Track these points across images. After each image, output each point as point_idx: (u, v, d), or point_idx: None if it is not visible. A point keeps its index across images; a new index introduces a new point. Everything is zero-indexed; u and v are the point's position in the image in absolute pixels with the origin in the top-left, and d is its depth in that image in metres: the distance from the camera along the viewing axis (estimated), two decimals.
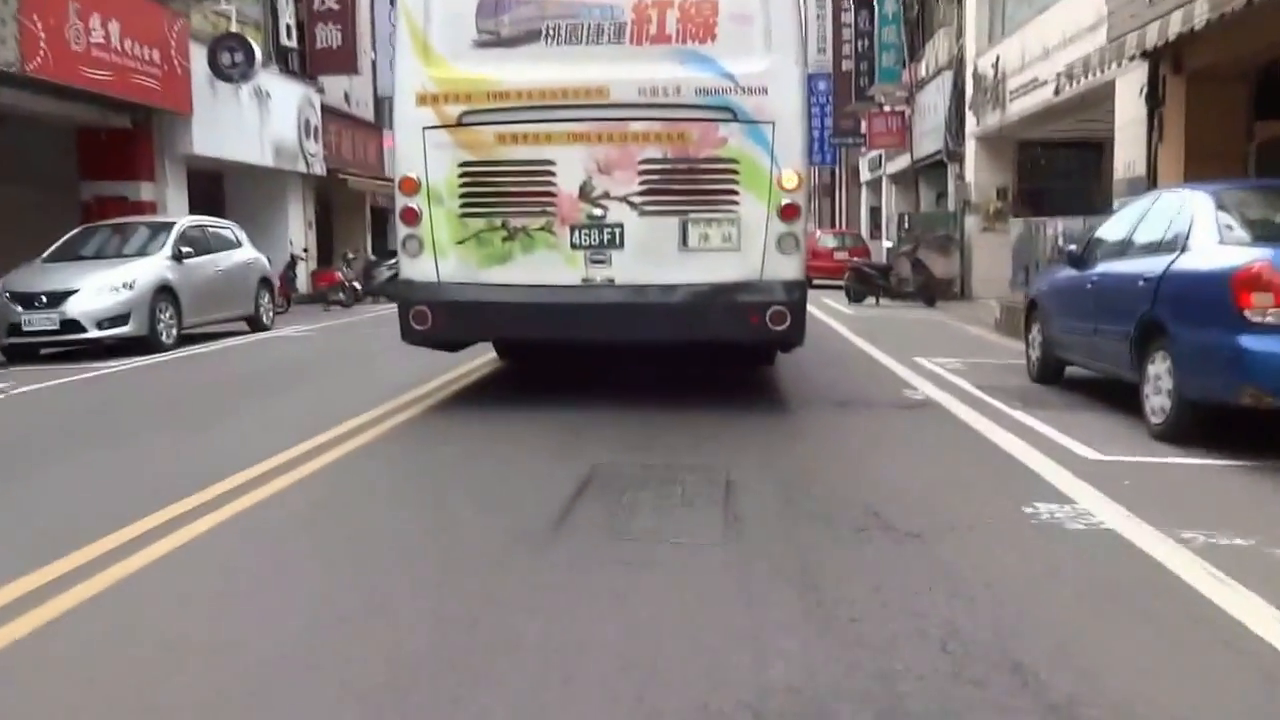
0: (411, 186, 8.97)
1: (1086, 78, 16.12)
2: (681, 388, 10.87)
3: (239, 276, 17.77)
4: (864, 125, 40.25)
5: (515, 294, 8.94)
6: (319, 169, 28.36)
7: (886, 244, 27.32)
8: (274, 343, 16.64)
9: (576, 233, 8.92)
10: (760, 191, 8.80)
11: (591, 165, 8.85)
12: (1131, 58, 14.29)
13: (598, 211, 8.89)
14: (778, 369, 12.19)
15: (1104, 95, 18.65)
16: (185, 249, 16.10)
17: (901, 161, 35.09)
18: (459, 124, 8.89)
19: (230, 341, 16.56)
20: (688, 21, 8.87)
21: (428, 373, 11.60)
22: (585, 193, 8.88)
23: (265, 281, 18.75)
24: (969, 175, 27.05)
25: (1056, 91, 17.46)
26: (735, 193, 8.86)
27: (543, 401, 9.89)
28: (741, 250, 8.86)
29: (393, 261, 28.23)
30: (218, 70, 22.17)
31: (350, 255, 27.72)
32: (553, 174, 8.89)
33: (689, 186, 8.92)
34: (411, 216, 9.00)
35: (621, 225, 8.90)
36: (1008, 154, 26.60)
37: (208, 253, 17.01)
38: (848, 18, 39.36)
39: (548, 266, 8.93)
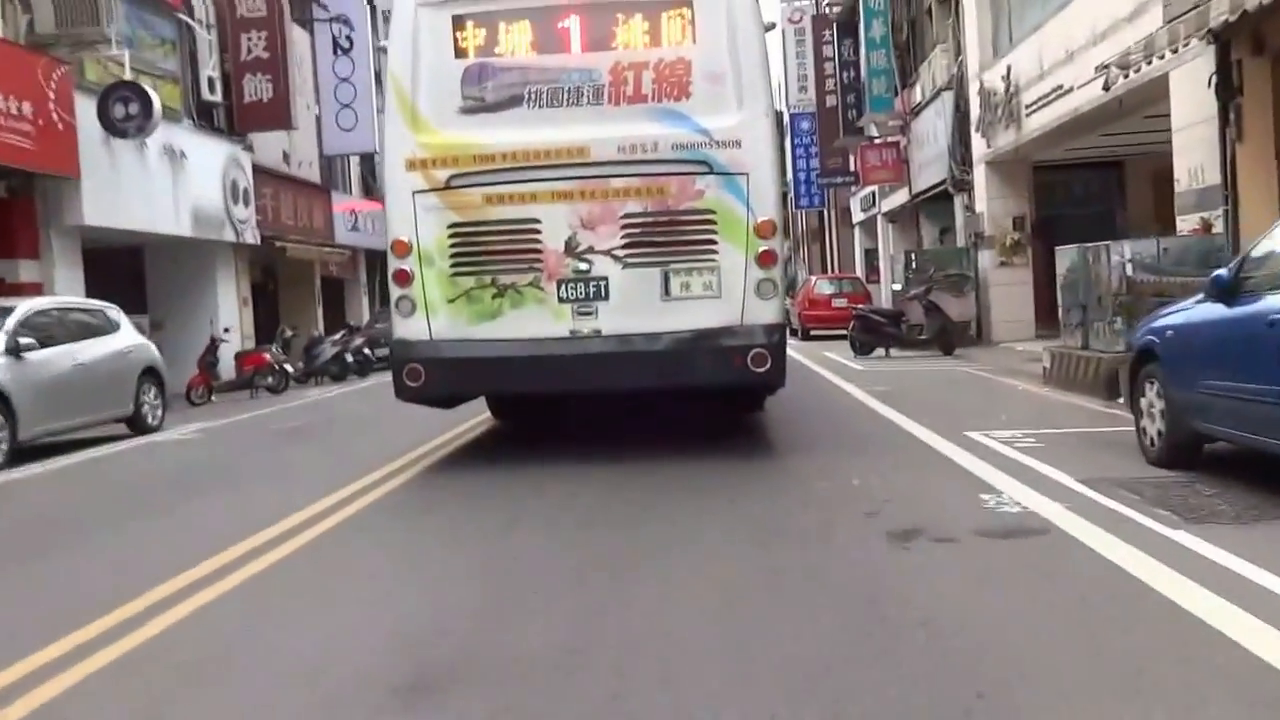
0: (403, 249, 9.10)
1: (1149, 64, 12.71)
2: (676, 484, 8.25)
3: (112, 369, 14.08)
4: (854, 161, 37.05)
5: (506, 348, 9.04)
6: (251, 237, 24.85)
7: (894, 287, 23.78)
8: (143, 453, 12.90)
9: (563, 287, 9.05)
10: (738, 240, 8.96)
11: (575, 221, 9.01)
12: (1223, 21, 10.83)
13: (583, 266, 9.02)
14: (798, 467, 8.89)
15: (1147, 97, 15.32)
16: (26, 340, 12.44)
17: (899, 197, 31.72)
18: (447, 187, 9.05)
19: (88, 453, 12.79)
20: (662, 81, 9.12)
21: (306, 497, 8.05)
22: (570, 248, 9.02)
23: (151, 373, 15.07)
24: (980, 205, 23.65)
25: (1106, 87, 14.02)
26: (714, 242, 9.01)
27: (478, 529, 7.17)
28: (722, 297, 8.98)
29: (338, 337, 24.82)
30: (109, 124, 18.64)
31: (289, 333, 24.15)
32: (539, 231, 9.04)
33: (669, 238, 9.06)
34: (404, 278, 9.11)
35: (606, 278, 9.03)
36: (1022, 178, 23.23)
37: (65, 342, 13.41)
38: (829, 50, 36.29)
39: (536, 320, 9.04)
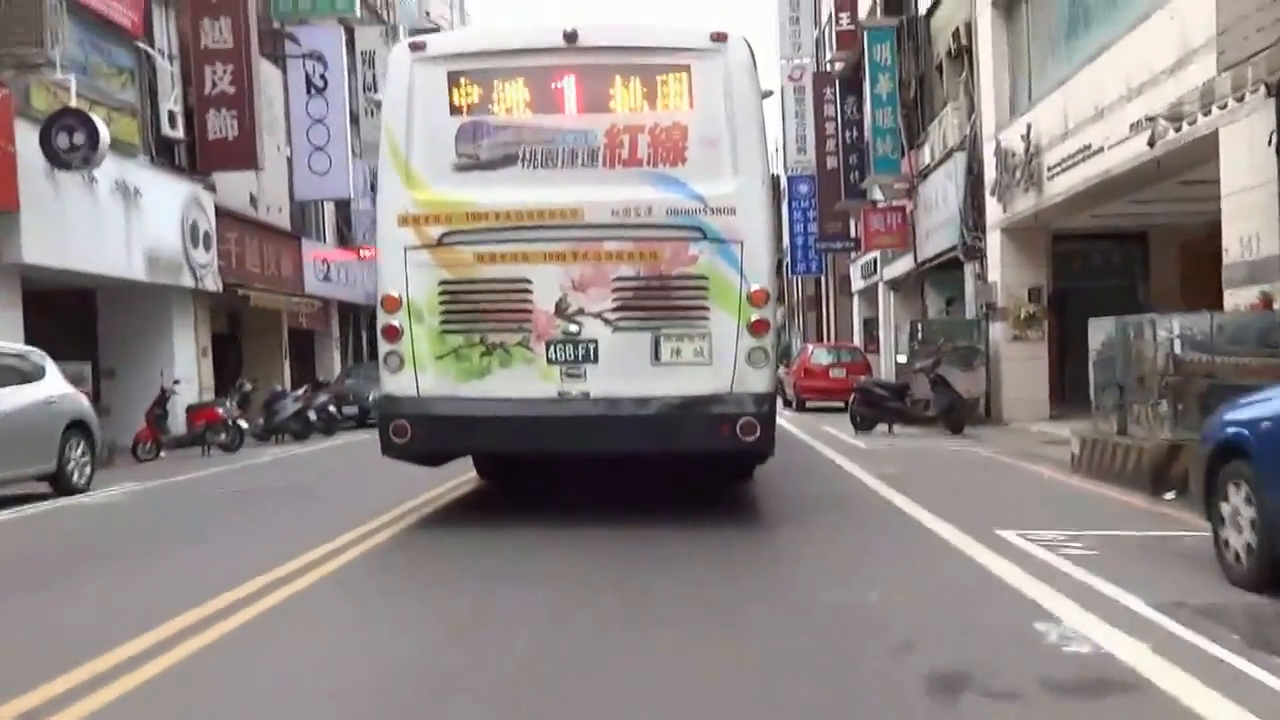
0: (393, 304, 9.12)
1: (1205, 115, 11.55)
2: (666, 585, 7.16)
3: (31, 420, 12.69)
4: (856, 226, 36.13)
5: (493, 407, 9.01)
6: (212, 283, 23.61)
7: (898, 359, 22.46)
8: (61, 515, 11.59)
9: (552, 348, 9.04)
10: (730, 307, 8.95)
11: (567, 283, 9.00)
12: None
13: (573, 328, 9.01)
14: (804, 568, 7.75)
15: (1194, 158, 14.15)
16: None
17: (903, 264, 30.60)
18: (439, 244, 9.06)
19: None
20: (658, 146, 9.11)
21: (205, 589, 6.70)
22: (561, 309, 9.01)
23: (79, 426, 13.71)
24: (993, 274, 22.48)
25: (1151, 143, 12.85)
26: (706, 308, 9.01)
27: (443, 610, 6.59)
28: (713, 364, 8.95)
29: (300, 392, 23.47)
30: (52, 155, 17.35)
31: (248, 386, 22.76)
32: (529, 292, 9.03)
33: (661, 303, 9.08)
34: (393, 333, 9.14)
35: (596, 341, 9.01)
36: (1040, 247, 22.08)
37: None
38: (831, 109, 35.43)
39: (525, 381, 9.02)
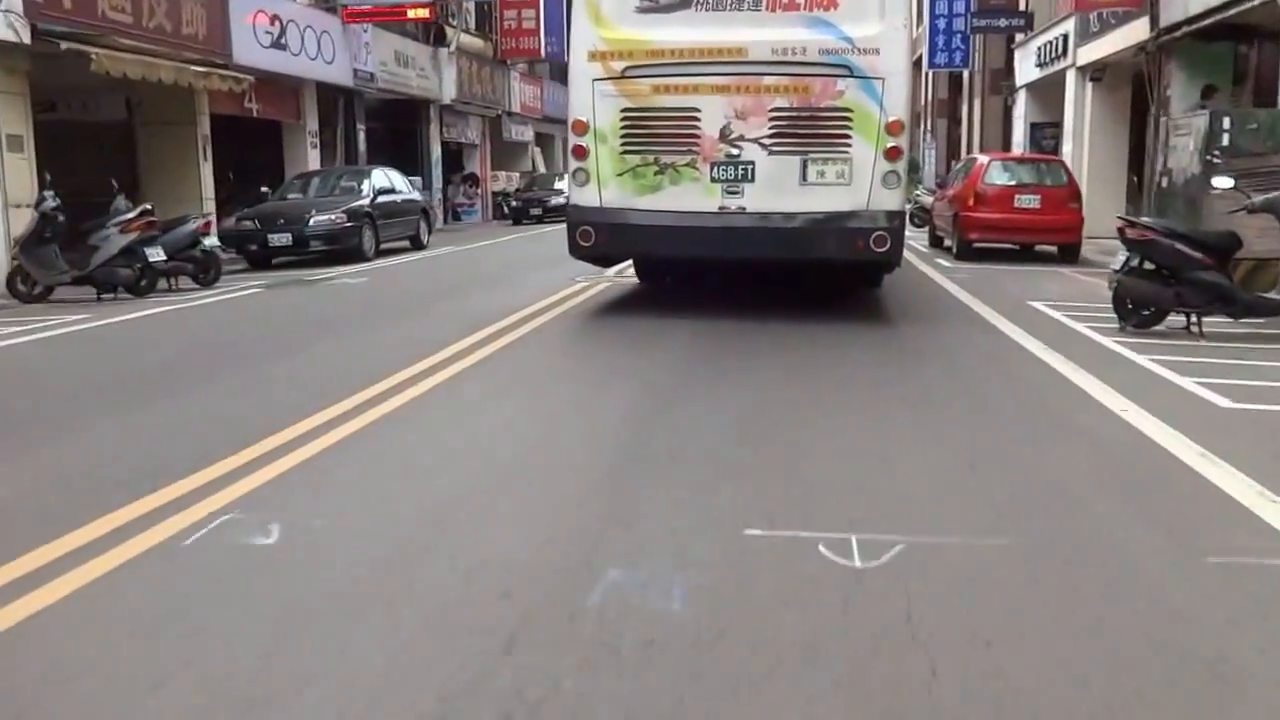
0: (582, 128, 10.16)
1: None
2: None
3: None
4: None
5: (664, 218, 10.05)
6: (8, 30, 13.59)
7: (1224, 183, 11.23)
8: None
9: (716, 168, 9.98)
10: (870, 136, 9.74)
11: (730, 112, 9.92)
12: None
13: (734, 151, 9.93)
14: None
15: None
16: None
17: (1122, 36, 19.36)
18: (622, 76, 10.06)
19: None
20: None
21: None
22: (724, 135, 9.92)
23: None
24: None
25: None
26: (849, 137, 9.80)
27: None
28: (852, 185, 9.80)
29: (132, 215, 13.20)
30: None
31: (49, 202, 12.67)
32: (698, 119, 9.99)
33: (810, 131, 9.90)
34: (581, 152, 10.18)
35: (753, 163, 9.93)
36: None
37: None
38: None
39: (691, 196, 10.02)
